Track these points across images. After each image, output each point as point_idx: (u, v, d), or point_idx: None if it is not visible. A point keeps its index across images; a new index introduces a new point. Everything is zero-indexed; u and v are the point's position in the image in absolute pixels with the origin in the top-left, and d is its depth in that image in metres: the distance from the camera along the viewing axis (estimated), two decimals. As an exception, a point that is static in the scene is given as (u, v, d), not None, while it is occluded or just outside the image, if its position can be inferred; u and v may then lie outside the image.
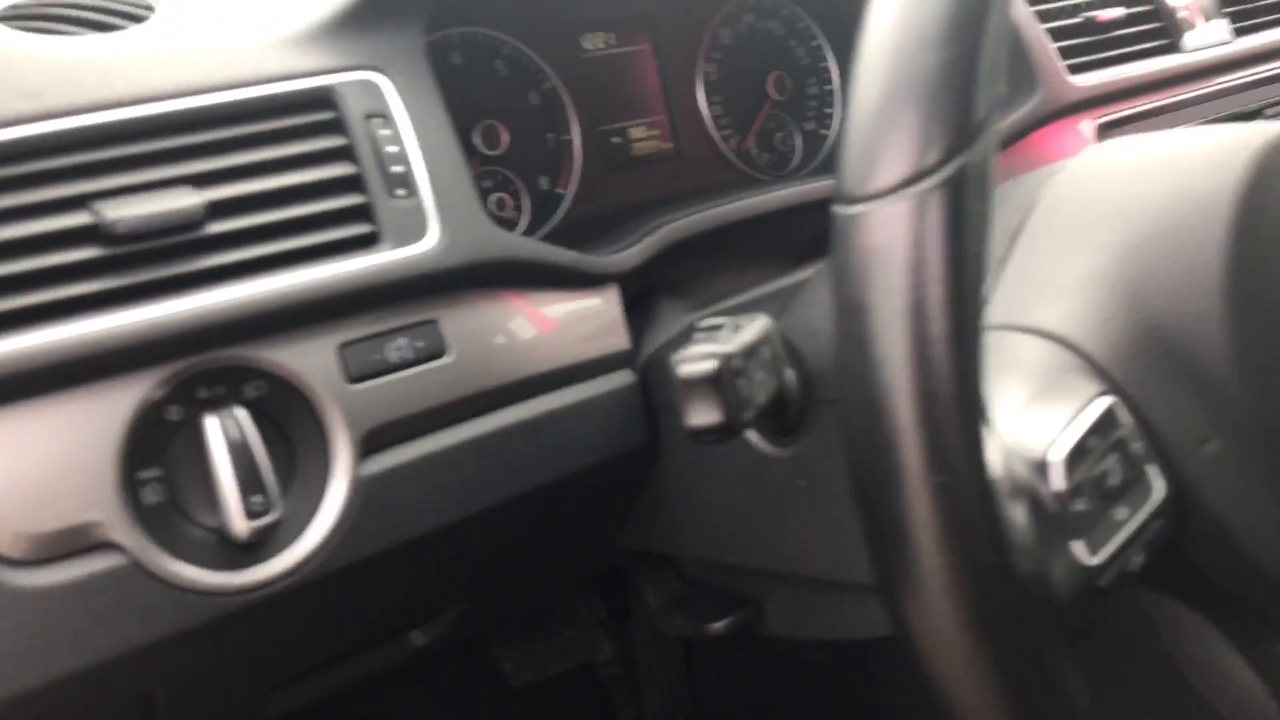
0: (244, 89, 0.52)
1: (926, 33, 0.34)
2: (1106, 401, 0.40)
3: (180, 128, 0.51)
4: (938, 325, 0.33)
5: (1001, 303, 0.45)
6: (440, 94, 0.58)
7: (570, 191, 0.77)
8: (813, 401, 0.57)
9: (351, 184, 0.53)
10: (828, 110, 0.90)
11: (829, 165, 0.90)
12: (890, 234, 0.33)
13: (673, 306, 0.70)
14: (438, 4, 0.61)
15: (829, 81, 0.90)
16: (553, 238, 0.76)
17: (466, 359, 0.56)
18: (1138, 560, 0.40)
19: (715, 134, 0.85)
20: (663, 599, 0.74)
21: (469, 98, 0.73)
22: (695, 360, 0.42)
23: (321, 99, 0.54)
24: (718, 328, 0.44)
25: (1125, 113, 0.87)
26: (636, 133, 0.82)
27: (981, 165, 0.34)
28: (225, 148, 0.51)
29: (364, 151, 0.54)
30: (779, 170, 0.88)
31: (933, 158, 0.33)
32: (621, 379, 0.64)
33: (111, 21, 0.56)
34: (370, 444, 0.53)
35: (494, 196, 0.74)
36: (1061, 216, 0.47)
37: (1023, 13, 0.81)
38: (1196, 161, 0.46)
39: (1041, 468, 0.38)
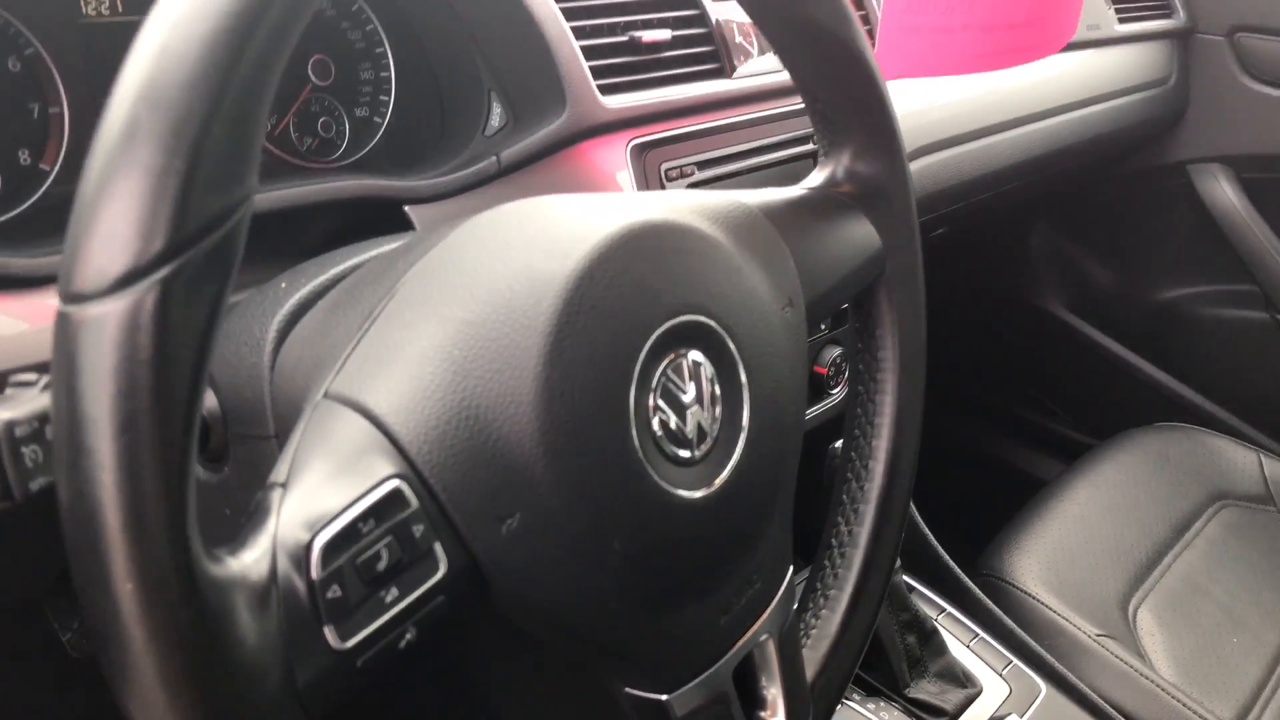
0: None
1: (157, 119, 0.34)
2: (393, 484, 0.42)
3: None
4: (146, 434, 0.33)
5: (349, 372, 0.46)
6: None
7: (55, 167, 0.72)
8: (233, 434, 0.57)
9: None
10: (383, 97, 0.89)
11: (380, 154, 0.89)
12: (96, 343, 0.33)
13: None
14: None
15: (385, 68, 0.88)
16: (32, 217, 0.72)
17: None
18: (409, 637, 0.42)
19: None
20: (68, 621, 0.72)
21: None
22: None
23: None
24: (31, 383, 0.42)
25: (666, 134, 0.91)
26: (150, 107, 0.77)
27: (200, 273, 0.34)
28: None
29: None
30: (325, 156, 0.86)
31: (140, 261, 0.33)
32: None
33: None
34: None
35: (-45, 169, 0.68)
36: (424, 287, 0.48)
37: (554, 31, 0.82)
38: (549, 244, 0.48)
39: (300, 556, 0.39)
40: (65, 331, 0.33)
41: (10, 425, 0.40)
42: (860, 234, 0.63)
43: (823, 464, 1.07)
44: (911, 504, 0.76)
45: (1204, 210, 1.66)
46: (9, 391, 0.43)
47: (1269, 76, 1.57)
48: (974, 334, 1.89)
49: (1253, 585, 1.28)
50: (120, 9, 0.75)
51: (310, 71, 0.84)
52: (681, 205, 0.55)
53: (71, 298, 0.33)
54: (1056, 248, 1.84)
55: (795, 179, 1.02)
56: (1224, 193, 1.62)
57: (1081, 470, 1.41)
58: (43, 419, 0.41)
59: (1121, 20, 1.51)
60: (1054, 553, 1.23)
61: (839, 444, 1.07)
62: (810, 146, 1.04)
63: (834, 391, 1.13)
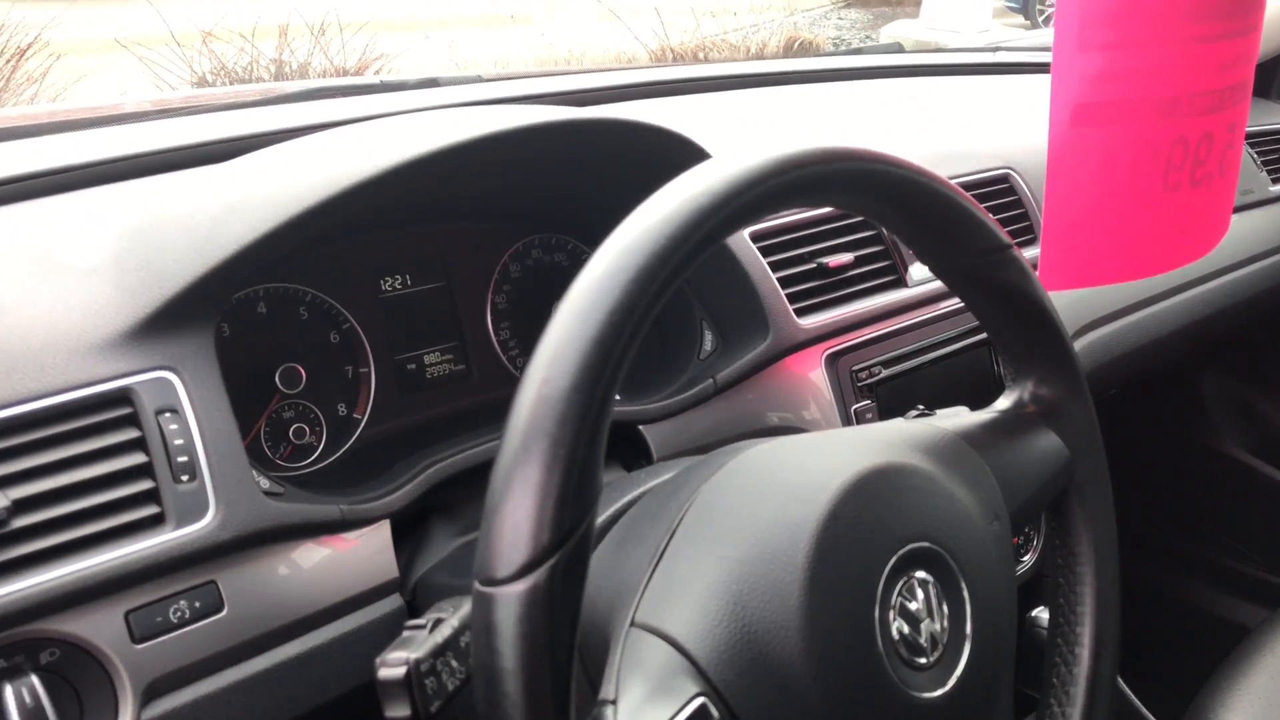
0: (50, 397, 0.63)
1: (541, 448, 0.47)
2: (699, 701, 0.53)
3: None
4: (545, 682, 0.46)
5: (649, 602, 0.58)
6: (223, 385, 0.68)
7: (365, 416, 0.89)
8: None
9: (142, 472, 0.64)
10: (608, 327, 1.04)
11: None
12: (501, 619, 0.46)
13: (444, 529, 0.82)
14: (233, 286, 0.73)
15: (610, 303, 1.03)
16: (347, 458, 0.88)
17: (241, 611, 0.66)
18: None
19: (502, 356, 0.97)
20: None
21: (274, 342, 0.85)
22: (390, 666, 0.54)
23: (120, 398, 0.65)
24: (421, 627, 0.56)
25: (854, 342, 1.03)
26: (431, 358, 0.94)
27: (572, 558, 0.47)
28: (30, 449, 0.61)
29: (154, 444, 0.64)
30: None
31: (534, 556, 0.46)
32: (390, 604, 0.75)
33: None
34: (151, 692, 0.63)
35: (294, 426, 0.85)
36: (699, 529, 0.60)
37: (756, 269, 0.96)
38: (795, 491, 0.60)
39: None
40: (484, 606, 0.47)
41: (418, 663, 0.54)
42: (1049, 447, 0.73)
43: (1020, 628, 1.13)
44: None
45: (1382, 350, 1.67)
46: (405, 634, 0.57)
47: None
48: (1158, 480, 1.90)
49: None
50: (410, 283, 0.93)
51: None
52: (896, 441, 0.66)
53: (486, 581, 0.47)
54: (1230, 391, 1.86)
55: (970, 368, 1.13)
56: (1401, 333, 1.63)
57: (1283, 620, 1.41)
58: (437, 655, 0.55)
59: (1275, 180, 1.57)
60: (1264, 708, 1.23)
61: (1036, 613, 1.14)
62: (982, 337, 1.14)
63: (1025, 559, 1.20)
